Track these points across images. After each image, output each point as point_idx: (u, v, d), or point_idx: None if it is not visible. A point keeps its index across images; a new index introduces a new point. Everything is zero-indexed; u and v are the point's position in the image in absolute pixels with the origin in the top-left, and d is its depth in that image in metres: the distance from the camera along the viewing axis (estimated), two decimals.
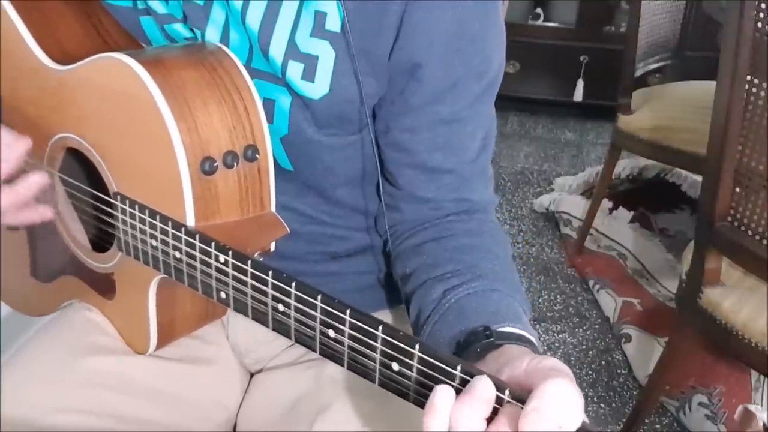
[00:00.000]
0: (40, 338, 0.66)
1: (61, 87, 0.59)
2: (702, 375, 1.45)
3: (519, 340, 0.47)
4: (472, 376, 0.37)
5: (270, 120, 0.58)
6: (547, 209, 2.13)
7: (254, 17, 0.56)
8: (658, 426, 1.38)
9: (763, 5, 0.87)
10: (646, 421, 1.36)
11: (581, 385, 1.48)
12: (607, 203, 2.03)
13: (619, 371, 1.52)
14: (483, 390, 0.36)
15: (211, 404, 0.67)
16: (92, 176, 0.61)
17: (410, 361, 0.39)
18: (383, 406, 0.60)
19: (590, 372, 1.52)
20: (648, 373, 1.41)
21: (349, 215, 0.66)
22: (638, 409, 1.27)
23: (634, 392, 1.46)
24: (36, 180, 0.59)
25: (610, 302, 1.71)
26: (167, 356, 0.65)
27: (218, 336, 0.71)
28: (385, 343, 0.40)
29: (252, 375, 0.73)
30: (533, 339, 0.49)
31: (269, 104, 0.58)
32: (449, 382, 0.38)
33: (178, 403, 0.65)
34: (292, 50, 0.56)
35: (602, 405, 1.43)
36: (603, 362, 1.55)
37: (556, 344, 1.60)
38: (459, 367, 0.37)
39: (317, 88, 0.56)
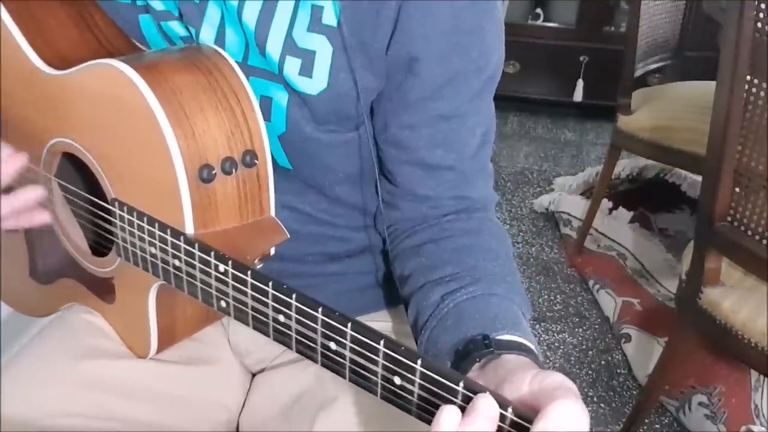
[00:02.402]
0: (41, 341, 0.66)
1: (56, 92, 0.59)
2: (702, 375, 1.45)
3: (518, 348, 0.47)
4: (474, 392, 0.37)
5: (267, 118, 0.57)
6: (547, 209, 2.13)
7: (251, 14, 0.56)
8: (657, 426, 1.38)
9: (762, 5, 0.87)
10: (646, 420, 1.36)
11: (581, 385, 1.48)
12: (606, 203, 2.03)
13: (618, 371, 1.52)
14: (487, 409, 0.36)
15: (212, 405, 0.67)
16: (90, 180, 0.61)
17: (412, 376, 0.39)
18: (385, 403, 0.60)
19: (590, 372, 1.52)
20: (648, 373, 1.41)
21: (348, 214, 0.66)
22: (638, 408, 1.27)
23: (634, 392, 1.46)
24: (34, 194, 0.61)
25: (609, 302, 1.71)
26: (168, 358, 0.65)
27: (219, 337, 0.71)
28: (386, 357, 0.40)
29: (253, 375, 0.73)
30: (532, 346, 0.48)
31: (266, 102, 0.57)
32: (451, 397, 0.37)
33: (178, 404, 0.65)
34: (290, 46, 0.55)
35: (602, 405, 1.43)
36: (603, 362, 1.55)
37: (556, 344, 1.60)
38: (461, 384, 0.37)
39: (315, 84, 0.56)
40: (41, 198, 0.62)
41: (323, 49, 0.55)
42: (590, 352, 1.58)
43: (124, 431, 0.61)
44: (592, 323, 1.68)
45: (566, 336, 1.63)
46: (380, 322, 0.70)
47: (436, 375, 0.38)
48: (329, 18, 0.54)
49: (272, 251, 0.58)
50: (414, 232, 0.60)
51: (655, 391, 1.23)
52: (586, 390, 1.47)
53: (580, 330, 1.65)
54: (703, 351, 1.47)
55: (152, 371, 0.64)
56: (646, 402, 1.25)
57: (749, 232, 0.96)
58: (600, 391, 1.46)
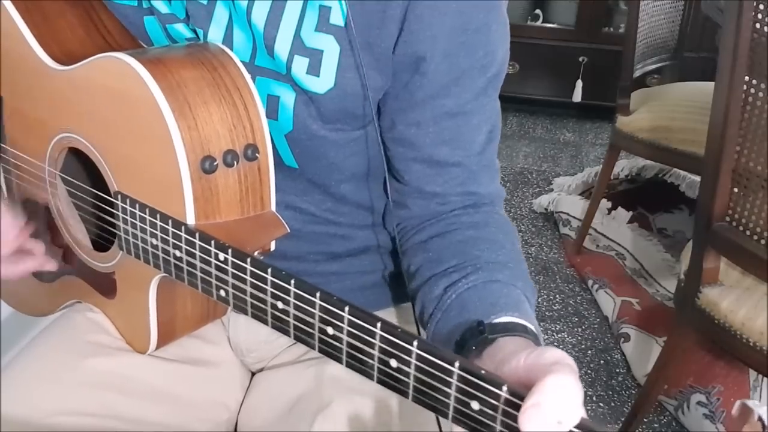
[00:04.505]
0: (42, 339, 0.66)
1: (62, 87, 0.59)
2: (700, 374, 1.45)
3: (515, 329, 0.47)
4: (470, 373, 0.37)
5: (274, 117, 0.58)
6: (546, 209, 2.13)
7: (260, 14, 0.56)
8: (656, 425, 1.38)
9: (761, 6, 0.87)
10: (645, 420, 1.37)
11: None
12: (605, 203, 2.03)
13: (617, 370, 1.53)
14: None
15: (212, 404, 0.67)
16: (94, 176, 0.61)
17: (408, 358, 0.39)
18: (383, 405, 0.60)
19: (589, 371, 1.52)
20: (646, 373, 1.41)
21: (353, 212, 0.66)
22: (637, 408, 1.27)
23: (633, 391, 1.46)
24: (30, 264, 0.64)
25: (608, 302, 1.72)
26: (168, 356, 0.66)
27: (219, 336, 0.71)
28: (383, 340, 0.40)
29: (253, 374, 0.73)
30: (531, 326, 0.48)
31: (273, 101, 0.58)
32: (447, 378, 0.38)
33: (179, 403, 0.65)
34: (298, 45, 0.56)
35: (601, 404, 1.43)
36: (602, 361, 1.55)
37: (555, 343, 1.60)
38: (457, 364, 0.37)
39: (322, 83, 0.56)
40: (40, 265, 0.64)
41: (331, 49, 0.55)
42: (589, 352, 1.58)
43: (124, 429, 0.61)
44: (591, 323, 1.68)
45: (565, 335, 1.63)
46: None
47: (432, 356, 0.38)
48: (336, 18, 0.55)
49: (272, 246, 0.59)
50: (422, 228, 0.61)
51: (654, 391, 1.23)
52: (585, 389, 1.46)
53: (579, 329, 1.66)
54: (701, 350, 1.47)
55: (153, 369, 0.64)
56: (645, 401, 1.25)
57: (748, 232, 0.96)
58: (599, 390, 1.47)
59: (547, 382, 0.34)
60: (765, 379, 1.44)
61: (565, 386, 0.35)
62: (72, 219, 0.65)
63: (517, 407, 0.35)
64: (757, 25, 0.88)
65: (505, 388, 0.36)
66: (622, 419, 1.36)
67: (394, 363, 0.40)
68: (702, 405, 1.39)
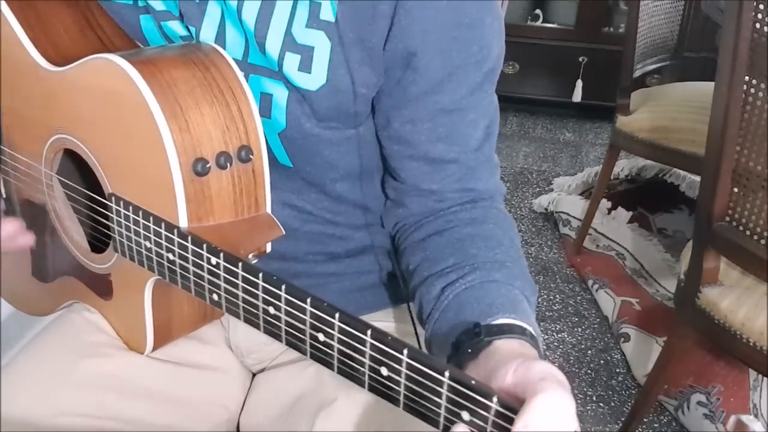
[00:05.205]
0: (41, 340, 0.66)
1: (56, 88, 0.59)
2: (700, 374, 1.45)
3: (511, 331, 0.46)
4: (460, 383, 0.36)
5: (268, 115, 0.57)
6: (546, 209, 2.13)
7: (250, 12, 0.56)
8: (656, 425, 1.38)
9: (761, 6, 0.87)
10: (645, 420, 1.36)
11: (580, 384, 1.48)
12: (605, 203, 2.03)
13: (617, 370, 1.52)
14: None
15: (212, 405, 0.67)
16: (89, 177, 0.61)
17: (399, 367, 0.39)
18: (384, 402, 0.60)
19: (589, 371, 1.52)
20: (646, 373, 1.41)
21: (349, 212, 0.66)
22: (637, 408, 1.26)
23: (633, 391, 1.46)
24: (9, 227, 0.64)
25: (608, 302, 1.71)
26: (168, 358, 0.66)
27: (219, 337, 0.71)
28: (373, 347, 0.39)
29: (254, 375, 0.73)
30: (529, 328, 0.48)
31: (266, 99, 0.57)
32: (438, 388, 0.37)
33: (178, 404, 0.65)
34: (289, 42, 0.55)
35: (601, 404, 1.43)
36: (602, 361, 1.55)
37: (555, 343, 1.60)
38: (447, 374, 0.37)
39: (314, 79, 0.56)
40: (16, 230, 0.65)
41: (322, 45, 0.55)
42: (589, 352, 1.58)
43: (124, 430, 0.61)
44: (591, 323, 1.68)
45: (565, 335, 1.63)
46: (382, 322, 0.70)
47: (422, 365, 0.37)
48: (327, 13, 0.54)
49: (268, 248, 0.58)
50: (420, 226, 0.60)
51: (654, 391, 1.23)
52: (585, 389, 1.47)
53: (579, 329, 1.65)
54: (701, 350, 1.47)
55: (153, 370, 0.64)
56: (645, 401, 1.24)
57: (747, 232, 0.96)
58: (599, 390, 1.46)
59: (535, 403, 0.34)
60: (765, 379, 1.43)
61: (555, 403, 0.34)
62: (69, 220, 0.65)
63: (508, 419, 0.35)
64: (757, 25, 0.88)
65: (495, 399, 0.35)
66: (622, 419, 1.35)
67: (384, 371, 0.39)
68: (702, 405, 1.38)
